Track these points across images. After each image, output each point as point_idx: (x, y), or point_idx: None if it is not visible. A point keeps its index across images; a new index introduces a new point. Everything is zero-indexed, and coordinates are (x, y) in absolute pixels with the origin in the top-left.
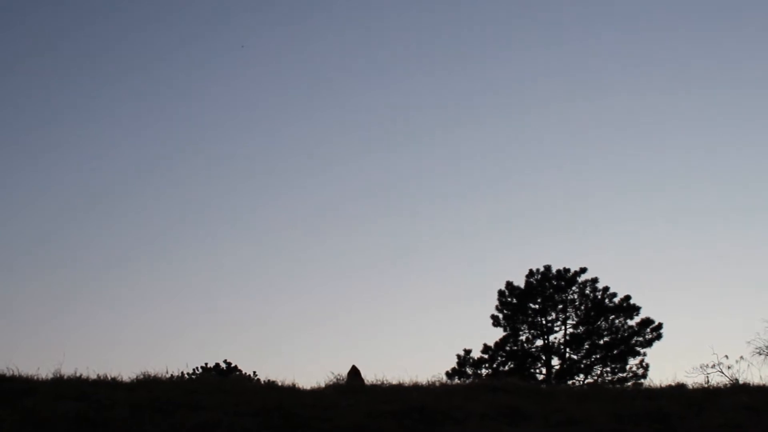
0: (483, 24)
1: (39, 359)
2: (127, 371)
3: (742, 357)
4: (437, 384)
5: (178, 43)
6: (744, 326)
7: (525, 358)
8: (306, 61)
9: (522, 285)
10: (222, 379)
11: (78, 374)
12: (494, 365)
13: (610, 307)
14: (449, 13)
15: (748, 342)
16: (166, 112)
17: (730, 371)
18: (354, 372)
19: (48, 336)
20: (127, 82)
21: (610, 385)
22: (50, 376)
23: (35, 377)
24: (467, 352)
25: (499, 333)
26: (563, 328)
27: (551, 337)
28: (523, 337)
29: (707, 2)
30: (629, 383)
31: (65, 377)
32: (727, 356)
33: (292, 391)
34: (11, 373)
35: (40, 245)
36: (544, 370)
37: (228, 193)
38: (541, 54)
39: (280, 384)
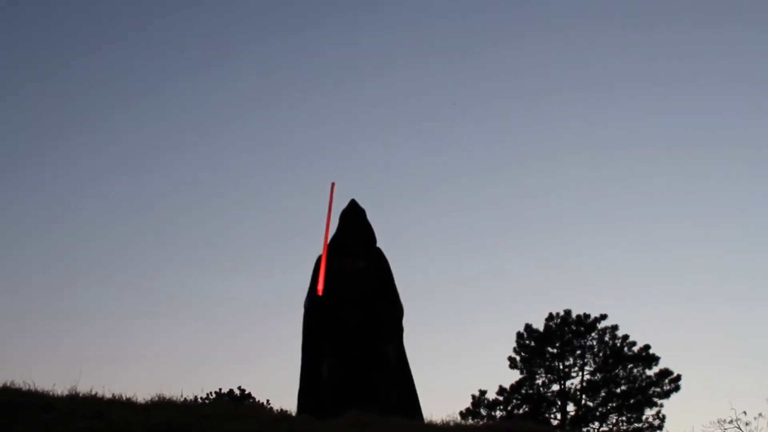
0: (524, 58)
1: (55, 375)
2: (142, 392)
3: (760, 414)
4: (451, 423)
5: (202, 52)
6: (764, 382)
7: (540, 402)
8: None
9: (541, 328)
10: (236, 406)
11: (93, 392)
12: (509, 408)
13: (629, 355)
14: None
15: None
16: (218, 124)
17: (748, 428)
18: (357, 215)
19: (65, 352)
20: (158, 93)
21: None
22: (66, 392)
23: (51, 393)
24: (482, 392)
25: (515, 375)
26: (580, 374)
27: (568, 383)
28: (540, 381)
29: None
30: None
31: (81, 395)
32: (745, 412)
33: (305, 421)
34: (27, 387)
35: (60, 261)
36: (559, 416)
37: (251, 221)
38: (568, 99)
39: (293, 415)
